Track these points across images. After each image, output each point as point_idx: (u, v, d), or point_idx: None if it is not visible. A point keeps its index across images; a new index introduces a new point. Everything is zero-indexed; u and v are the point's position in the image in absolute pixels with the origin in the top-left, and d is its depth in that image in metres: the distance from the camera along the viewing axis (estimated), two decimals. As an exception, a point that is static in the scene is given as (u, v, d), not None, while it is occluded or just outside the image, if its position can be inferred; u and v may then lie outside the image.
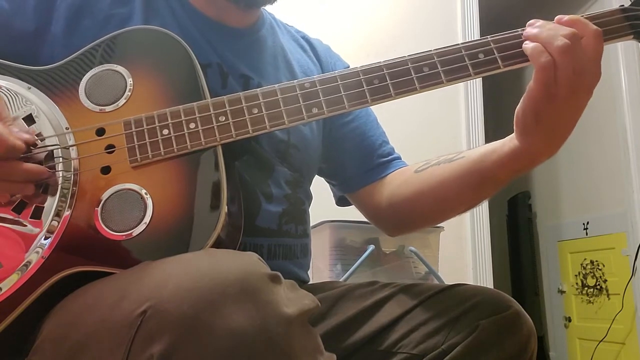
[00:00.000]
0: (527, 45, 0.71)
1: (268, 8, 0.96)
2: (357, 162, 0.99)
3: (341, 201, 1.06)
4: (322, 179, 1.05)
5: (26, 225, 0.65)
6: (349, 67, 0.91)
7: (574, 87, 0.69)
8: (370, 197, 0.98)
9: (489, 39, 0.74)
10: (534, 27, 0.72)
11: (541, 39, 0.70)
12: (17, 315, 0.62)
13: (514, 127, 0.74)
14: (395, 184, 0.95)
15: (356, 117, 1.00)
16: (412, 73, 0.73)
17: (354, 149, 1.00)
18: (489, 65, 0.73)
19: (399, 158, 1.01)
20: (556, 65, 0.68)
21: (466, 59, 0.73)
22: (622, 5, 0.75)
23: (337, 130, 0.99)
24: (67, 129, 0.70)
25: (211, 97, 0.72)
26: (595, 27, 0.70)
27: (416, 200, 0.90)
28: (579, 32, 0.70)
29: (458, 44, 0.74)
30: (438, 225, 1.82)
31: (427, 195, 0.88)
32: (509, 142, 0.77)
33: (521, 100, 0.72)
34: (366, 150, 0.99)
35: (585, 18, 0.73)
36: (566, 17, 0.72)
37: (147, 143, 0.69)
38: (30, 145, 0.67)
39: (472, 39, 0.76)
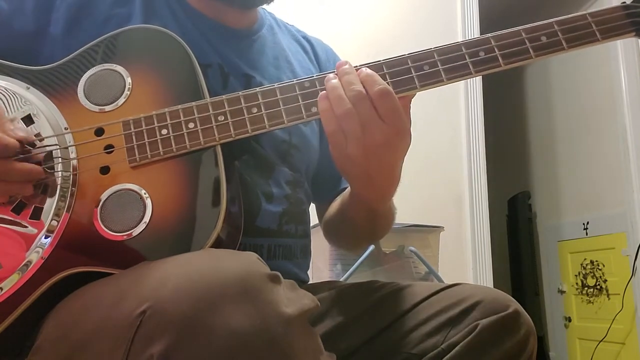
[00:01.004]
0: (320, 106, 0.70)
1: (267, 8, 0.96)
2: (327, 175, 0.99)
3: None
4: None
5: (26, 226, 0.65)
6: None
7: (368, 144, 0.68)
8: (321, 213, 1.02)
9: (490, 36, 0.74)
10: (329, 81, 0.70)
11: (331, 100, 0.69)
12: (18, 316, 0.62)
13: None
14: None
15: None
16: (412, 71, 0.73)
17: (325, 164, 0.98)
18: (490, 63, 0.73)
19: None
20: (343, 130, 0.68)
21: (467, 57, 0.73)
22: (624, 2, 0.75)
23: (323, 140, 0.97)
24: (66, 129, 0.69)
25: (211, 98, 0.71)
26: (381, 86, 0.68)
27: (324, 229, 1.00)
28: (367, 89, 0.68)
29: (458, 42, 0.74)
30: (438, 225, 1.82)
31: (327, 225, 0.99)
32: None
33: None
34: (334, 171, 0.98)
35: (586, 15, 0.73)
36: (364, 73, 0.70)
37: (146, 143, 0.68)
38: (26, 144, 0.66)
39: (473, 37, 0.75)
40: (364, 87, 0.68)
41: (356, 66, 0.72)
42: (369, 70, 0.70)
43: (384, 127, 0.68)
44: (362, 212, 0.84)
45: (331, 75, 0.71)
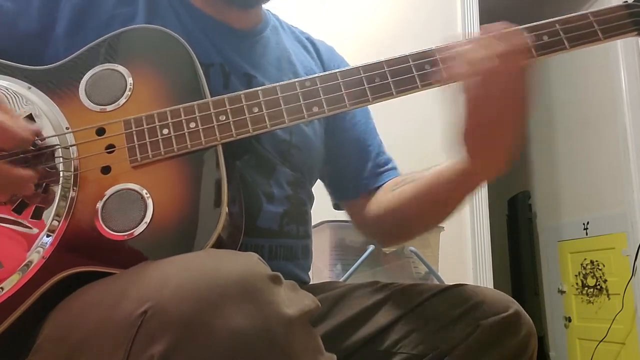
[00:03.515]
0: (458, 71, 0.69)
1: (270, 8, 0.96)
2: (351, 173, 0.99)
3: (337, 206, 1.06)
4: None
5: (27, 226, 0.65)
6: None
7: (501, 108, 0.68)
8: (357, 208, 0.99)
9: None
10: (466, 46, 0.69)
11: (470, 60, 0.68)
12: (18, 316, 0.62)
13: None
14: (377, 199, 0.96)
15: (355, 124, 0.99)
16: (414, 70, 0.73)
17: (349, 158, 0.99)
18: None
19: (393, 169, 1.00)
20: (486, 91, 0.67)
21: None
22: (626, 2, 0.75)
23: (336, 137, 0.98)
24: (67, 128, 0.69)
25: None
26: (522, 40, 0.68)
27: (389, 218, 0.93)
28: (506, 47, 0.67)
29: (459, 41, 0.74)
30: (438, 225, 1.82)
31: (397, 213, 0.91)
32: (456, 164, 0.78)
33: (453, 125, 0.72)
34: (361, 162, 0.98)
35: (588, 14, 0.73)
36: (495, 30, 0.69)
37: (147, 143, 0.68)
38: (37, 134, 0.67)
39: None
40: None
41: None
42: (500, 31, 0.69)
43: (520, 87, 0.68)
44: (462, 190, 0.81)
45: (466, 41, 0.70)
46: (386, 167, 0.99)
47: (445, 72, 0.70)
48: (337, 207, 1.06)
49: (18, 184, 0.64)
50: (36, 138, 0.67)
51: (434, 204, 0.85)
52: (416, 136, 2.18)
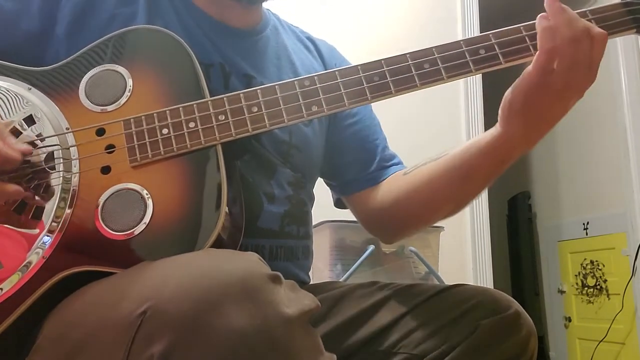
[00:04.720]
0: (540, 25, 0.70)
1: (271, 7, 0.96)
2: (358, 166, 0.98)
3: (339, 203, 1.05)
4: (321, 179, 1.05)
5: (27, 226, 0.65)
6: None
7: (570, 81, 0.69)
8: (364, 202, 0.98)
9: (490, 34, 0.74)
10: (555, 5, 0.70)
11: (556, 23, 0.69)
12: (18, 316, 0.62)
13: (499, 111, 0.75)
14: (385, 188, 0.95)
15: (360, 120, 0.99)
16: (413, 70, 0.72)
17: (355, 152, 0.99)
18: (490, 61, 0.73)
19: (398, 163, 1.00)
20: (560, 54, 0.68)
21: (467, 54, 0.73)
22: None
23: (340, 132, 0.98)
24: (67, 129, 0.70)
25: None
26: (602, 31, 0.70)
27: (405, 202, 0.91)
28: (589, 30, 0.69)
29: (459, 40, 0.74)
30: (438, 225, 1.82)
31: (415, 195, 0.89)
32: (490, 132, 0.78)
33: (513, 84, 0.72)
34: (367, 155, 0.98)
35: (587, 12, 0.73)
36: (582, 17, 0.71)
37: (147, 143, 0.68)
38: (26, 155, 0.67)
39: (473, 35, 0.75)
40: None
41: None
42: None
43: (592, 71, 0.70)
44: (488, 164, 0.81)
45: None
46: (393, 162, 0.99)
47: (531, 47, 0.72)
48: (338, 204, 1.05)
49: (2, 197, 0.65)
50: (32, 148, 0.67)
51: (464, 177, 0.83)
52: (416, 136, 2.18)
